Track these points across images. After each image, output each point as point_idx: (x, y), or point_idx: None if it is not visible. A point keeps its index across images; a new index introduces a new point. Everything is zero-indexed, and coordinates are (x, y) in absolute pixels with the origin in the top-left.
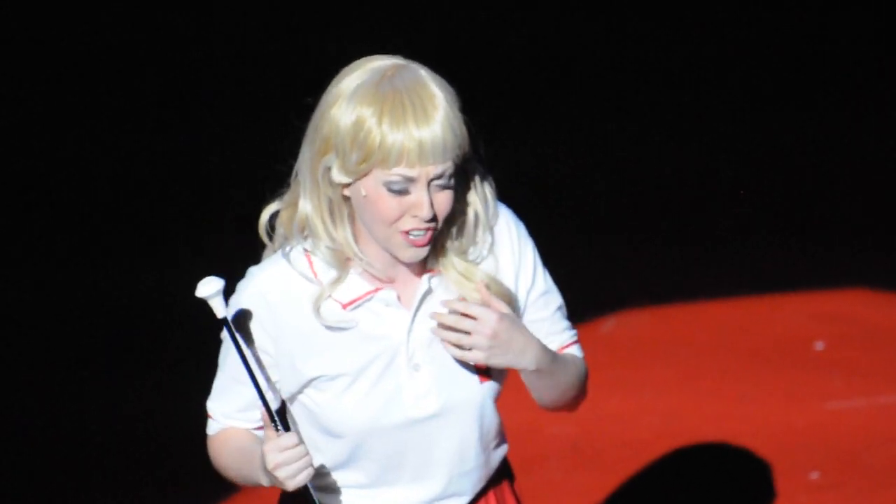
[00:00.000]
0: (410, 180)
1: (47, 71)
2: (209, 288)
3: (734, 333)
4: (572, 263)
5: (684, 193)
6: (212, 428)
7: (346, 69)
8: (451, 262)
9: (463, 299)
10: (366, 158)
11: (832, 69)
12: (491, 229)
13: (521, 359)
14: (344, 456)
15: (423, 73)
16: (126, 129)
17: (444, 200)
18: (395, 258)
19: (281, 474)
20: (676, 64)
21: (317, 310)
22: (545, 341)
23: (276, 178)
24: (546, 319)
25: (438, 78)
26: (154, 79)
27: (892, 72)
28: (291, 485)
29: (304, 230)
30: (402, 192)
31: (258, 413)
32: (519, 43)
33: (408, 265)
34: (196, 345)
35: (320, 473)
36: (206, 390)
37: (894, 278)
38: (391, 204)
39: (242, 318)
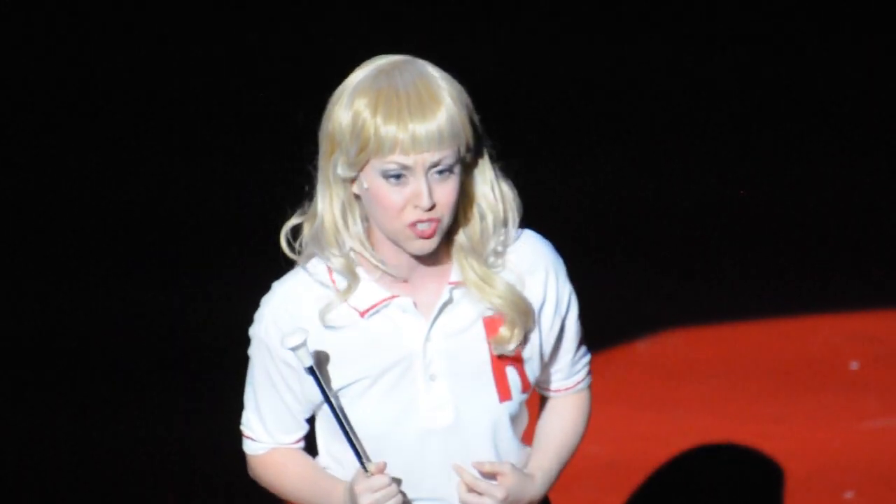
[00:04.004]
0: (406, 168)
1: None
2: (296, 339)
3: (768, 354)
4: (606, 284)
5: (719, 217)
6: (253, 448)
7: (354, 70)
8: (471, 265)
9: (480, 466)
10: (363, 148)
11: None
12: (525, 252)
13: None
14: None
15: (425, 69)
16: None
17: (446, 190)
18: (407, 252)
19: None
20: (705, 97)
21: (322, 318)
22: (562, 377)
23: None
24: (568, 359)
25: (444, 74)
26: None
27: None
28: None
29: (322, 239)
30: (400, 181)
31: (301, 433)
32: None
33: (428, 272)
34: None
35: None
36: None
37: None
38: (391, 194)
39: (318, 360)
